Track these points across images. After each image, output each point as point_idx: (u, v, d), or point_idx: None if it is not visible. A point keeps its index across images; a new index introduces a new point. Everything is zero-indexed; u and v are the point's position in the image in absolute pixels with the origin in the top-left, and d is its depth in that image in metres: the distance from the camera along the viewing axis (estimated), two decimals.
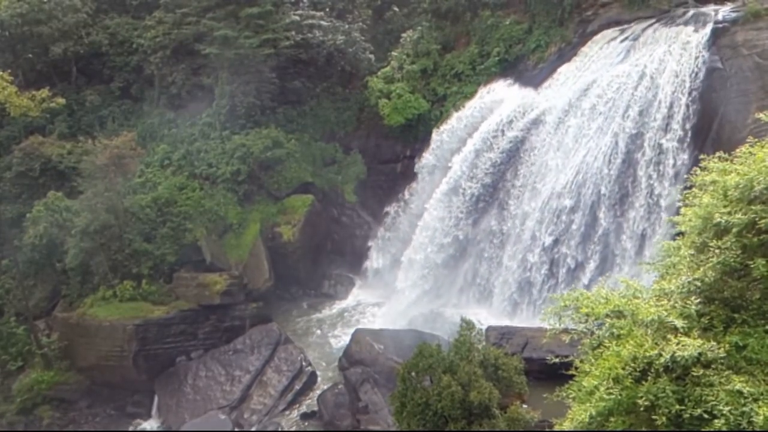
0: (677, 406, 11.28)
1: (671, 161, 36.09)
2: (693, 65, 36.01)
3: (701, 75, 35.67)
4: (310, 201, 48.48)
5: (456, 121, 45.87)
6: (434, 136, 47.23)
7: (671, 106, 36.18)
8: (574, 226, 38.39)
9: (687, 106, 35.76)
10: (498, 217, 42.69)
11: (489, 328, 35.68)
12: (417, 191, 48.06)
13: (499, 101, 44.27)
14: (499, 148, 42.54)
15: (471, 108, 45.41)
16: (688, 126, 35.83)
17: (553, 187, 39.25)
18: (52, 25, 49.93)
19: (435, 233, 44.34)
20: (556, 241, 39.06)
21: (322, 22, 52.64)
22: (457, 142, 45.20)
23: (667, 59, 37.20)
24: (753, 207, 12.36)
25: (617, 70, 39.05)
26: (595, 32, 43.28)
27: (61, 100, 44.68)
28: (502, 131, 42.64)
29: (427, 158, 47.43)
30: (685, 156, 35.72)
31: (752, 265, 12.05)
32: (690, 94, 35.71)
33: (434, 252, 44.16)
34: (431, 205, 44.68)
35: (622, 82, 38.11)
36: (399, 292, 44.83)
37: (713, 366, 11.56)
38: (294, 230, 46.89)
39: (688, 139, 35.84)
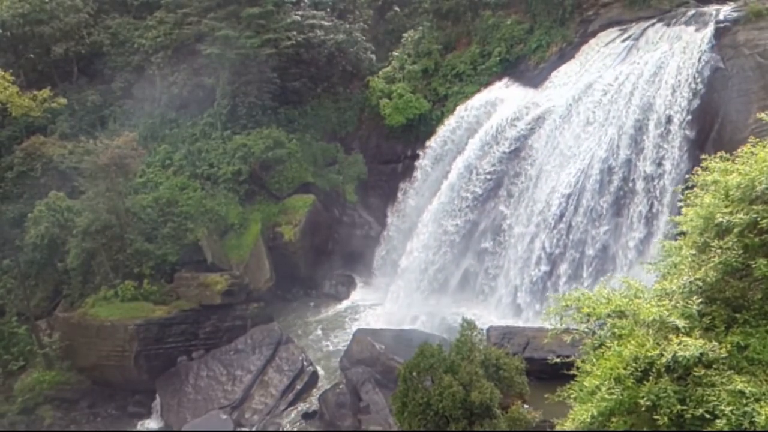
0: (679, 407, 11.28)
1: (672, 161, 36.03)
2: (694, 65, 35.94)
3: (702, 75, 35.62)
4: (311, 201, 48.44)
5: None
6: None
7: (672, 106, 36.12)
8: (573, 229, 38.40)
9: (688, 106, 35.70)
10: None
11: (490, 328, 35.65)
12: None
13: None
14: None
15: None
16: (689, 126, 35.78)
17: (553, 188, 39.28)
18: (54, 25, 49.94)
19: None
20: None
21: (324, 22, 52.60)
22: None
23: (668, 59, 37.14)
24: (755, 207, 12.37)
25: (618, 70, 38.99)
26: (596, 32, 43.29)
27: (63, 100, 44.72)
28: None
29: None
30: (686, 156, 35.66)
31: (754, 265, 12.07)
32: (691, 94, 35.66)
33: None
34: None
35: (623, 82, 38.04)
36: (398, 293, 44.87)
37: (715, 366, 11.57)
38: (295, 230, 46.87)
39: (689, 139, 35.80)
